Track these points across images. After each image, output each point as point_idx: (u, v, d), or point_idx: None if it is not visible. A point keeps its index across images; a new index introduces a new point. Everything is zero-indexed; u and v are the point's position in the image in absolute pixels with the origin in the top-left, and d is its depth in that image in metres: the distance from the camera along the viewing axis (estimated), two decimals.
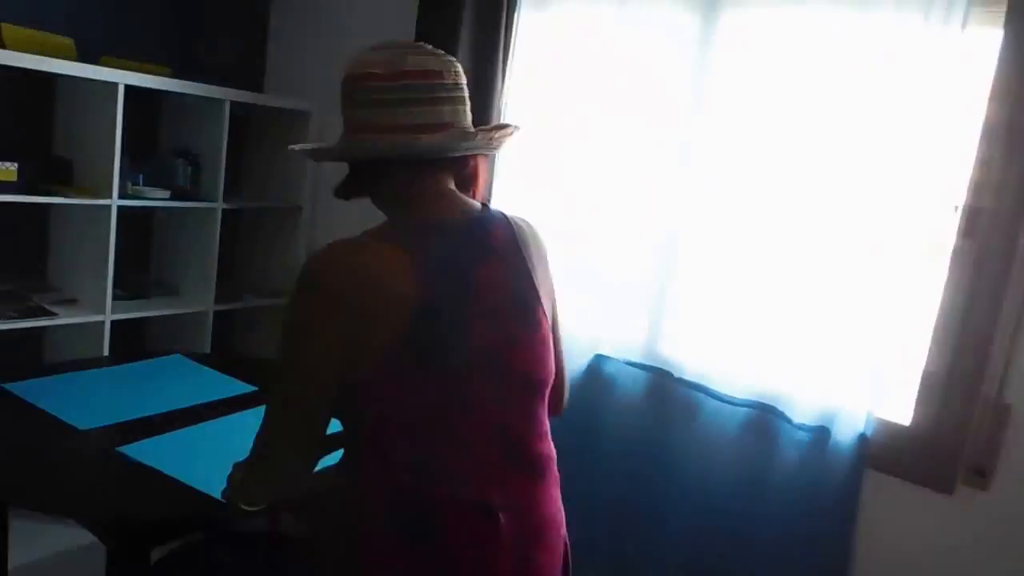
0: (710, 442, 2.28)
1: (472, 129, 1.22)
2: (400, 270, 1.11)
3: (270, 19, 3.42)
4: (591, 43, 2.46)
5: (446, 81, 1.17)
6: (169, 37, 3.06)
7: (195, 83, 2.75)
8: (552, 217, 2.43)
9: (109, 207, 2.59)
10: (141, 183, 2.82)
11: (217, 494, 1.50)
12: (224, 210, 2.96)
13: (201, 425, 1.91)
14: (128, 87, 2.56)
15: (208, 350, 3.03)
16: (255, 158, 3.39)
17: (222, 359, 2.48)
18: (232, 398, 2.13)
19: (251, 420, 1.97)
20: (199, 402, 2.06)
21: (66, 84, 2.73)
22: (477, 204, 1.27)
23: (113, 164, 2.57)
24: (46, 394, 1.96)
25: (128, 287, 2.99)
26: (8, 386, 1.99)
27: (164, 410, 1.98)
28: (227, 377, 2.27)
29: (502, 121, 1.65)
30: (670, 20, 2.36)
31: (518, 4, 2.60)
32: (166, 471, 1.65)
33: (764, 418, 2.20)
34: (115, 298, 2.77)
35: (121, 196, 2.63)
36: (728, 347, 2.29)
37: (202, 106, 2.92)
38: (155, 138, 3.11)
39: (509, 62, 2.62)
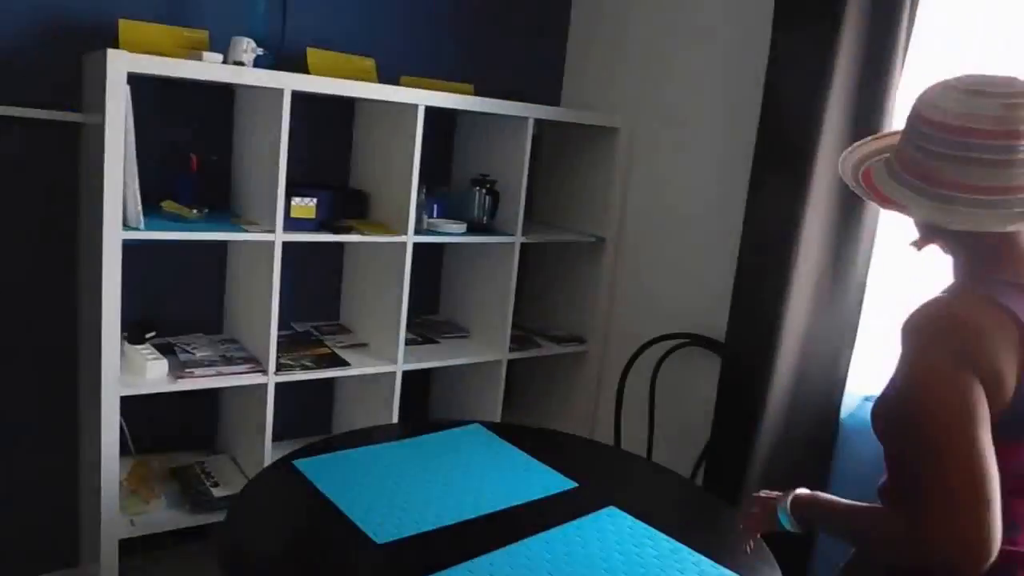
0: None
1: None
2: (1012, 338, 1.01)
3: (570, 28, 3.00)
4: None
5: None
6: (468, 53, 2.75)
7: (496, 100, 2.38)
8: None
9: (404, 244, 2.29)
10: (436, 215, 2.52)
11: None
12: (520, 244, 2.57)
13: (523, 544, 1.46)
14: (427, 109, 2.24)
15: (500, 402, 2.65)
16: (550, 183, 2.99)
17: (525, 433, 2.06)
18: (552, 499, 1.67)
19: (583, 537, 1.49)
20: (513, 503, 1.63)
21: (365, 109, 2.49)
22: None
23: (409, 196, 2.26)
24: (337, 480, 1.63)
25: (417, 329, 2.71)
26: (299, 463, 1.70)
27: (473, 515, 1.56)
28: (540, 464, 1.82)
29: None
30: None
31: None
32: None
33: None
34: (406, 342, 2.49)
35: (416, 231, 2.32)
36: None
37: (499, 126, 2.56)
38: (449, 165, 2.82)
39: (911, 42, 1.92)
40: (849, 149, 1.21)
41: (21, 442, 2.21)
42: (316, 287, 2.63)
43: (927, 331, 1.03)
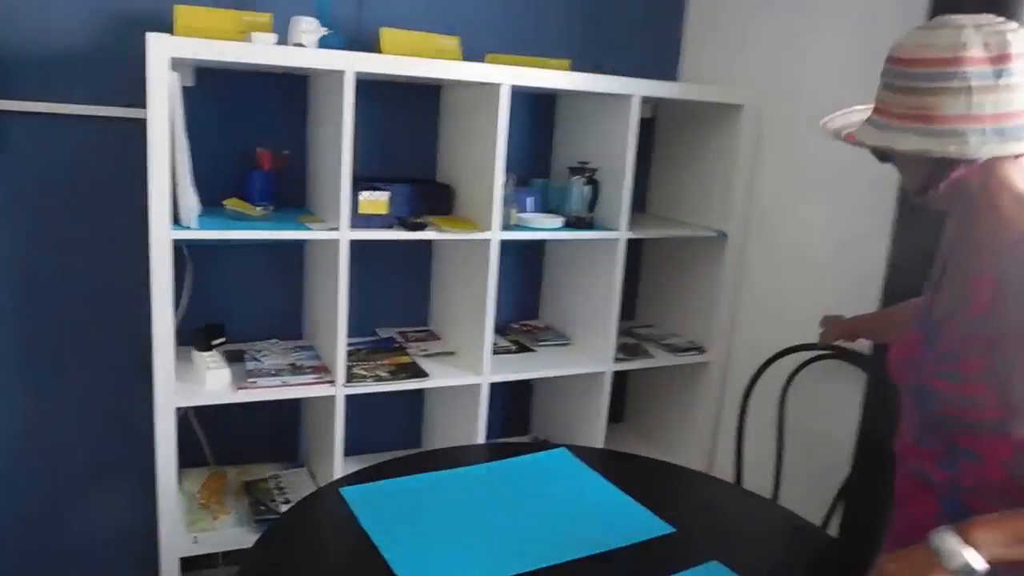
0: None
1: None
2: None
3: None
4: None
5: None
6: (567, 27, 2.47)
7: (594, 76, 2.07)
8: None
9: (488, 242, 2.04)
10: (530, 209, 2.25)
11: None
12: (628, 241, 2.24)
13: None
14: (517, 90, 1.98)
15: (604, 419, 2.34)
16: (667, 172, 2.64)
17: (621, 461, 1.75)
18: (642, 547, 1.35)
19: None
20: (592, 552, 1.32)
21: (449, 94, 2.27)
22: None
23: (492, 188, 2.00)
24: (385, 514, 1.40)
25: (513, 336, 2.46)
26: (345, 491, 1.48)
27: (539, 565, 1.27)
28: (632, 502, 1.51)
29: None
30: None
31: None
32: None
33: None
34: (496, 351, 2.25)
35: (504, 227, 2.07)
36: None
37: (602, 107, 2.25)
38: (550, 154, 2.54)
39: None
40: (827, 118, 1.21)
41: (103, 451, 2.15)
42: (404, 290, 2.43)
43: None
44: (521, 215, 2.17)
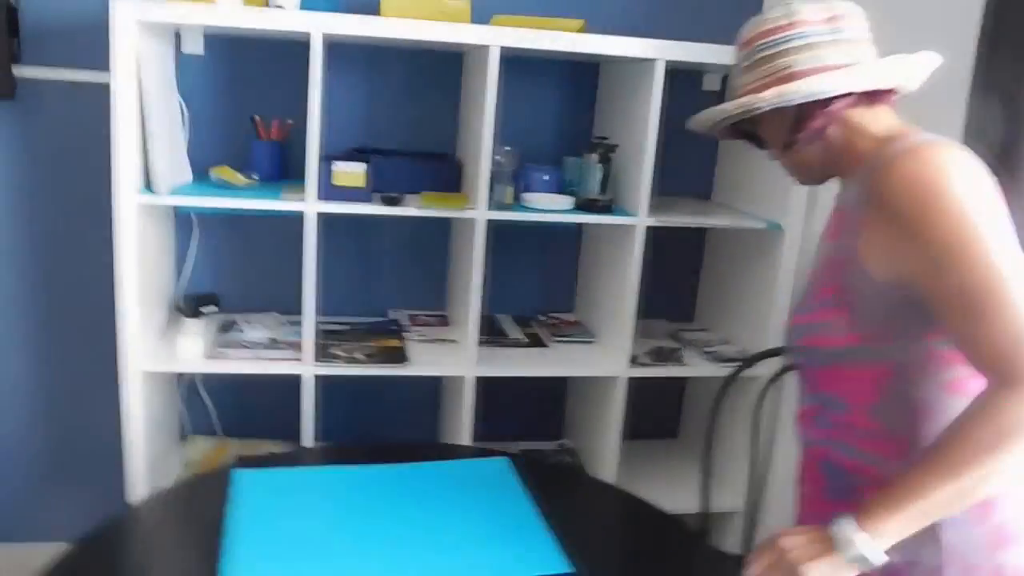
0: None
1: None
2: None
3: None
4: None
5: None
6: None
7: (602, 37, 1.81)
8: None
9: (473, 221, 1.86)
10: (542, 188, 2.03)
11: None
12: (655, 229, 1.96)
13: None
14: (541, 56, 1.78)
15: (618, 430, 2.07)
16: (729, 153, 2.30)
17: (577, 489, 1.51)
18: None
19: None
20: None
21: (467, 62, 2.10)
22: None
23: (479, 161, 1.82)
24: (261, 506, 1.28)
25: (533, 328, 2.25)
26: (236, 474, 1.39)
27: None
28: (543, 533, 1.28)
29: None
30: None
31: None
32: None
33: None
34: (505, 343, 2.09)
35: (499, 205, 1.88)
36: None
37: (633, 75, 1.97)
38: (590, 129, 2.29)
39: None
40: (692, 118, 1.20)
41: (91, 415, 2.20)
42: (423, 272, 2.30)
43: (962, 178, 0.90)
44: (525, 194, 1.96)
